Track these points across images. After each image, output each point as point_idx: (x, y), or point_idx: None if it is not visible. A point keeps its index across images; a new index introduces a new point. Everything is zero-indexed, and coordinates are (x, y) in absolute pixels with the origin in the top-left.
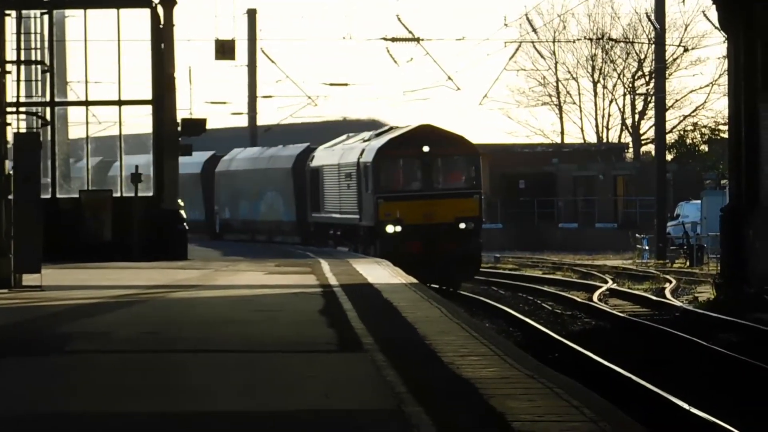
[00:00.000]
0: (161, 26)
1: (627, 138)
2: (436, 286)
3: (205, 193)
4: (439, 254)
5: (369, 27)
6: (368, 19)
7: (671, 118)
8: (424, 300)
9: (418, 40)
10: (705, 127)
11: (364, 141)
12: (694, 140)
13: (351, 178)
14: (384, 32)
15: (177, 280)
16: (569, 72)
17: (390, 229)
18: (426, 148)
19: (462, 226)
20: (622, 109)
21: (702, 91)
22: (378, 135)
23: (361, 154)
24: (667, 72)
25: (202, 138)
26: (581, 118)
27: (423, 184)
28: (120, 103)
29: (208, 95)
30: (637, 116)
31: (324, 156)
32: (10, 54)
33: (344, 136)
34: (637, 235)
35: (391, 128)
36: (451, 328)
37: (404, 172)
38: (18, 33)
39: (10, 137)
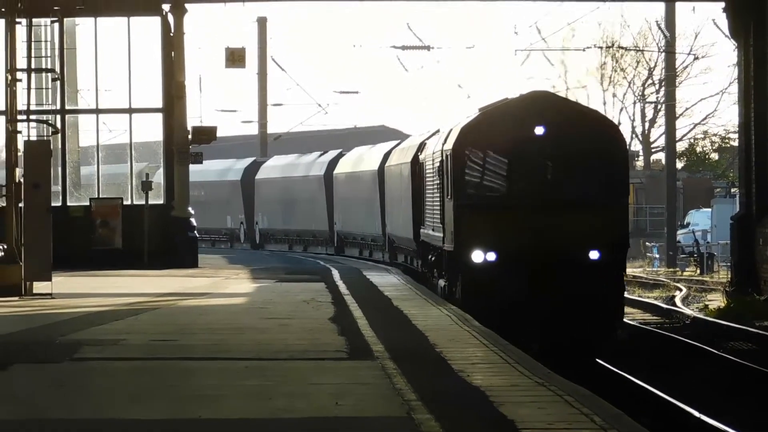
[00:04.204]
0: (172, 34)
1: (637, 146)
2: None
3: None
4: (559, 300)
5: (379, 35)
6: (378, 28)
7: (681, 126)
8: (434, 307)
9: (428, 48)
10: (715, 135)
11: (467, 118)
12: (704, 148)
13: (438, 176)
14: (394, 41)
15: (187, 288)
16: (578, 80)
17: (477, 257)
18: (540, 130)
19: (594, 255)
20: (632, 118)
21: (712, 99)
22: (482, 109)
23: (446, 139)
24: (677, 80)
25: (212, 146)
26: None
27: (534, 187)
28: (130, 111)
29: (219, 103)
30: (647, 124)
31: (429, 145)
32: (21, 62)
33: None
34: (647, 243)
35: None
36: (462, 336)
37: (502, 167)
38: (29, 41)
39: (20, 145)
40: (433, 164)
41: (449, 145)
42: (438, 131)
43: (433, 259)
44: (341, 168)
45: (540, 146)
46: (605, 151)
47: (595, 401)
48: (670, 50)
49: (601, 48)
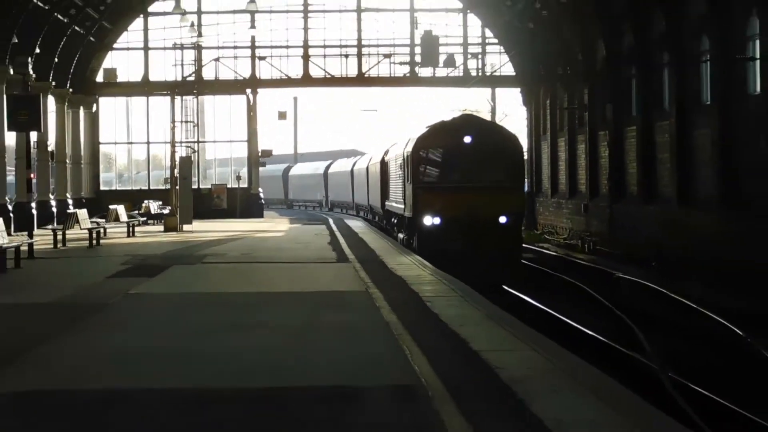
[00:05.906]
0: (251, 103)
1: None
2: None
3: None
4: (481, 250)
5: (353, 103)
6: (353, 99)
7: None
8: (380, 237)
9: (376, 110)
10: None
11: (418, 132)
12: None
13: (401, 169)
14: (362, 106)
15: (257, 228)
16: None
17: (428, 221)
18: (467, 139)
19: (502, 220)
20: None
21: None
22: (428, 126)
23: (406, 145)
24: None
25: (270, 158)
26: None
27: (463, 176)
28: (231, 141)
29: (274, 137)
30: None
31: (392, 150)
32: (178, 117)
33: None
34: None
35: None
36: (394, 251)
37: (444, 163)
38: (181, 107)
39: (177, 158)
40: (396, 161)
41: (409, 149)
42: (396, 143)
43: (395, 221)
44: (355, 166)
45: (468, 149)
46: (509, 153)
47: (459, 283)
48: (493, 112)
49: (459, 110)
